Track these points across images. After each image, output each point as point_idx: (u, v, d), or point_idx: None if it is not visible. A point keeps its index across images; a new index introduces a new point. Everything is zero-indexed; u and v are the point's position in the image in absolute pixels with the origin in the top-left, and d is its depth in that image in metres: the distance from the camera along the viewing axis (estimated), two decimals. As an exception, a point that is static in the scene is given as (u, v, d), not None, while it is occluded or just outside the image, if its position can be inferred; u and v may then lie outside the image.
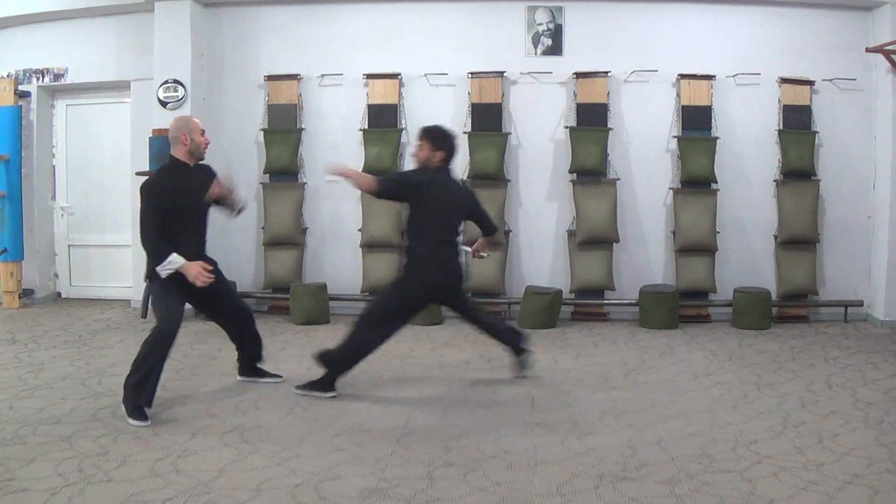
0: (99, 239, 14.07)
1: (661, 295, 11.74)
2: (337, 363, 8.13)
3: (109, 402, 7.94)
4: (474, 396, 8.19)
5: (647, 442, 6.75)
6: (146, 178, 7.92)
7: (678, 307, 11.86)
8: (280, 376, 8.79)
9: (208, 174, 8.08)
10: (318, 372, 8.27)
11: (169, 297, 7.69)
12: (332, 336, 10.96)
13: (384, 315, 8.23)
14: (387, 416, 7.53)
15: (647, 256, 12.47)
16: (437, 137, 8.41)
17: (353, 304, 12.53)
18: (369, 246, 12.36)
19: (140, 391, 7.37)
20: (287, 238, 12.41)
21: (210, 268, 7.70)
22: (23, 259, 13.51)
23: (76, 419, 7.41)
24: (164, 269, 7.48)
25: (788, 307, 12.24)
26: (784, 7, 12.22)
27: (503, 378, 8.93)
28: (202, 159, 8.01)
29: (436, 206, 8.26)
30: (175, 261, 7.46)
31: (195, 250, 7.78)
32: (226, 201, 8.14)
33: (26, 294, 13.68)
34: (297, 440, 6.86)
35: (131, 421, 7.24)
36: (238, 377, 8.82)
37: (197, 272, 7.50)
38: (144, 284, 11.91)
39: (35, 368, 9.36)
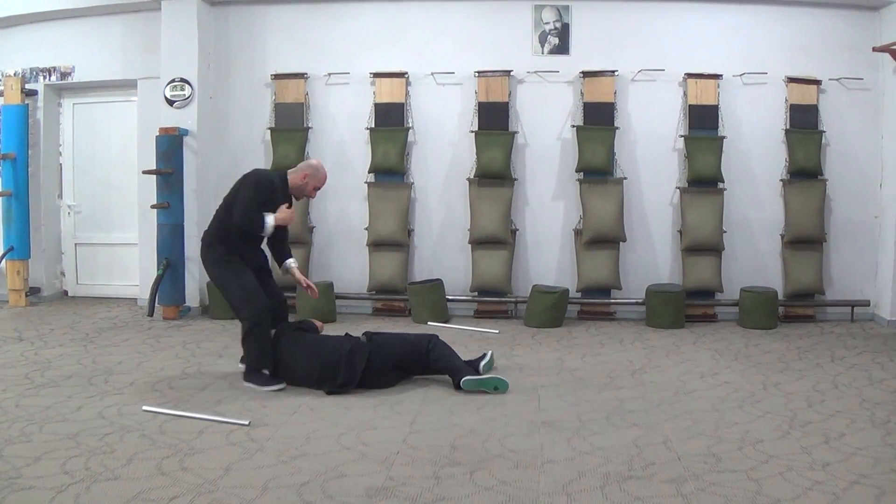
0: (106, 237, 14.08)
1: (668, 294, 11.73)
2: None
3: (116, 400, 7.97)
4: (480, 395, 8.15)
5: (653, 441, 6.74)
6: (257, 169, 8.82)
7: (684, 306, 11.85)
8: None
9: (290, 202, 8.80)
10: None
11: (235, 276, 8.35)
12: (338, 334, 11.00)
13: None
14: (393, 415, 7.52)
15: (653, 256, 12.46)
16: None
17: (360, 303, 12.63)
18: (376, 245, 12.36)
19: (261, 363, 8.27)
20: (294, 237, 12.27)
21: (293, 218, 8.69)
22: (29, 257, 13.54)
23: (83, 417, 7.42)
24: (268, 230, 8.36)
25: (795, 307, 12.21)
26: (791, 6, 12.21)
27: (509, 377, 8.80)
28: (297, 199, 8.87)
29: None
30: (270, 220, 8.34)
31: (255, 257, 8.46)
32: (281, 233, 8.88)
33: (33, 292, 13.71)
34: (304, 439, 6.86)
35: (266, 388, 8.14)
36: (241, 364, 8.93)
37: (288, 216, 8.55)
38: (152, 282, 12.13)
39: (41, 366, 9.37)
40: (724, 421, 7.31)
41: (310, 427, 7.18)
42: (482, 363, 8.92)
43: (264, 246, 8.97)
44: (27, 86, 13.60)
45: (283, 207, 8.47)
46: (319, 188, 8.76)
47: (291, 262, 8.92)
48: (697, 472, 6.01)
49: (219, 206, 8.71)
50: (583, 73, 12.28)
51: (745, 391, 8.33)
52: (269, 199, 8.34)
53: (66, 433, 6.94)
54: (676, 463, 6.23)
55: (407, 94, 12.55)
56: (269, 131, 12.70)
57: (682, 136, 12.21)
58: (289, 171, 8.71)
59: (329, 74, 12.76)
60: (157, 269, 12.21)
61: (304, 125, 12.73)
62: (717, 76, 12.19)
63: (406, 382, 8.63)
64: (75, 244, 14.26)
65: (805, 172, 12.07)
